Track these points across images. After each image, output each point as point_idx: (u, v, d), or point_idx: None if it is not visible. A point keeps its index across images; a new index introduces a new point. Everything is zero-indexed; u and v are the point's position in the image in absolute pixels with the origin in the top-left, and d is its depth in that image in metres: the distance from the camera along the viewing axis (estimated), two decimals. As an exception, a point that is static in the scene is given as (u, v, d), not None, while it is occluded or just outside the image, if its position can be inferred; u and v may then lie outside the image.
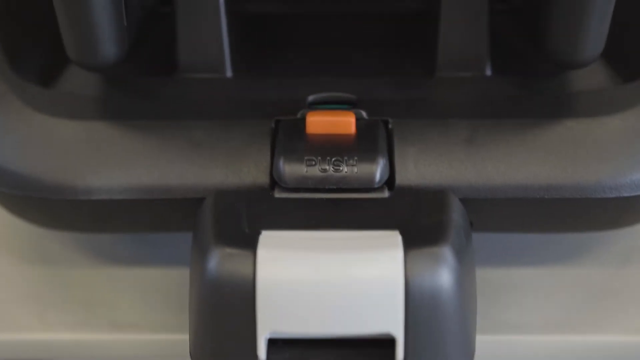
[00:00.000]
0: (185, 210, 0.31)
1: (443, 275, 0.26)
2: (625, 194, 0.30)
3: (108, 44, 0.29)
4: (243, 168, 0.30)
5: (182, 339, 0.29)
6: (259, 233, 0.27)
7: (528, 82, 0.33)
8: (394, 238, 0.26)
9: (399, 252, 0.25)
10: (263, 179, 0.30)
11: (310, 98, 0.32)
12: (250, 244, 0.26)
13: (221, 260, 0.26)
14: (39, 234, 0.36)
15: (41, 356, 0.35)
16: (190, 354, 0.28)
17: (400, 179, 0.30)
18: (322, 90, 0.32)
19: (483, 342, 0.30)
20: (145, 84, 0.33)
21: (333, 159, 0.29)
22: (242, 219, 0.28)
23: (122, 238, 0.37)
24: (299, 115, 0.31)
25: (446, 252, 0.26)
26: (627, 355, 0.35)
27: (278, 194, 0.29)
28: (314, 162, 0.29)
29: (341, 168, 0.29)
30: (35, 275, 0.36)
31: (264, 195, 0.29)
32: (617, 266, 0.36)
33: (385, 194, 0.29)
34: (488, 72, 0.34)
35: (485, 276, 0.35)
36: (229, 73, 0.34)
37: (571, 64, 0.30)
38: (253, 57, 0.36)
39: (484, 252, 0.35)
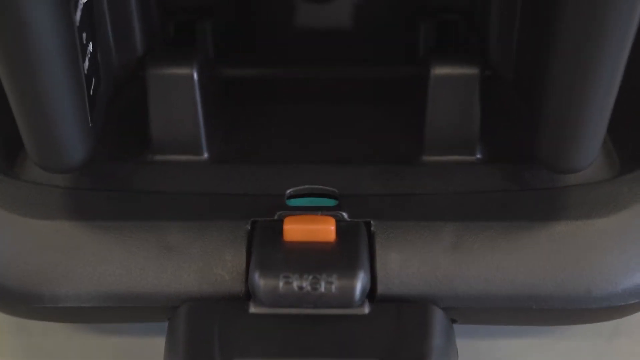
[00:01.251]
0: (158, 314, 0.30)
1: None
2: (617, 304, 0.29)
3: (71, 150, 0.28)
4: (217, 277, 0.29)
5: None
6: (231, 367, 0.26)
7: (518, 170, 0.31)
8: (373, 379, 0.25)
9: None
10: (238, 288, 0.29)
11: (289, 191, 0.31)
12: (221, 385, 0.25)
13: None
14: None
15: None
16: None
17: (382, 288, 0.29)
18: (301, 181, 0.31)
19: None
20: (116, 172, 0.32)
21: (310, 277, 0.27)
22: (214, 343, 0.27)
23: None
24: (276, 217, 0.30)
25: (426, 392, 0.25)
26: None
27: (253, 309, 0.28)
28: (290, 280, 0.27)
29: (319, 286, 0.27)
30: (10, 345, 0.35)
31: (239, 310, 0.28)
32: (607, 339, 0.35)
33: (366, 309, 0.28)
34: (478, 154, 0.33)
35: (472, 349, 0.34)
36: (204, 154, 0.33)
37: (563, 171, 0.28)
38: (229, 131, 0.34)
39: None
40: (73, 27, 0.26)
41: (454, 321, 0.30)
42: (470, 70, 0.31)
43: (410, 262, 0.29)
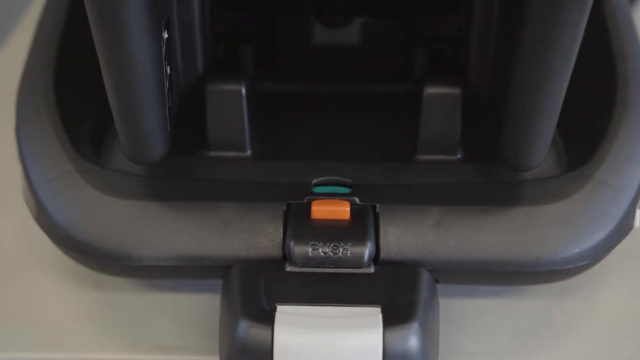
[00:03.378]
0: (215, 272, 0.39)
1: (412, 345, 0.34)
2: (557, 268, 0.38)
3: (155, 148, 0.37)
4: (261, 245, 0.38)
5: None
6: (275, 309, 0.35)
7: (489, 167, 0.40)
8: (376, 317, 0.34)
9: (379, 330, 0.34)
10: (277, 253, 0.37)
11: (315, 181, 0.40)
12: (269, 320, 0.34)
13: (247, 332, 0.34)
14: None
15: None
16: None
17: (384, 254, 0.38)
18: (324, 174, 0.40)
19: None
20: (181, 164, 0.41)
21: (331, 245, 0.37)
22: (261, 293, 0.36)
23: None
24: (305, 200, 0.38)
25: (415, 327, 0.34)
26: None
27: (289, 268, 0.37)
28: (317, 247, 0.37)
29: (337, 252, 0.37)
30: (89, 298, 0.43)
31: (278, 269, 0.37)
32: (556, 298, 0.43)
33: (372, 269, 0.37)
34: (459, 155, 0.41)
35: (448, 305, 0.42)
36: (248, 151, 0.42)
37: (520, 169, 0.38)
38: (267, 134, 0.43)
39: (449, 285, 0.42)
40: (162, 58, 0.35)
41: (437, 281, 0.39)
42: (455, 90, 0.40)
43: (405, 236, 0.37)
